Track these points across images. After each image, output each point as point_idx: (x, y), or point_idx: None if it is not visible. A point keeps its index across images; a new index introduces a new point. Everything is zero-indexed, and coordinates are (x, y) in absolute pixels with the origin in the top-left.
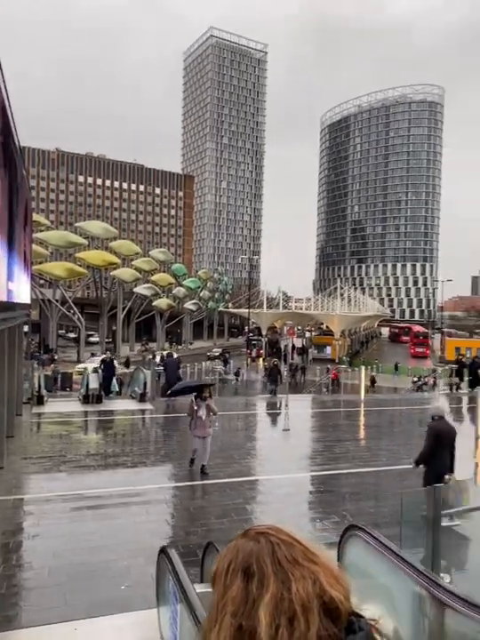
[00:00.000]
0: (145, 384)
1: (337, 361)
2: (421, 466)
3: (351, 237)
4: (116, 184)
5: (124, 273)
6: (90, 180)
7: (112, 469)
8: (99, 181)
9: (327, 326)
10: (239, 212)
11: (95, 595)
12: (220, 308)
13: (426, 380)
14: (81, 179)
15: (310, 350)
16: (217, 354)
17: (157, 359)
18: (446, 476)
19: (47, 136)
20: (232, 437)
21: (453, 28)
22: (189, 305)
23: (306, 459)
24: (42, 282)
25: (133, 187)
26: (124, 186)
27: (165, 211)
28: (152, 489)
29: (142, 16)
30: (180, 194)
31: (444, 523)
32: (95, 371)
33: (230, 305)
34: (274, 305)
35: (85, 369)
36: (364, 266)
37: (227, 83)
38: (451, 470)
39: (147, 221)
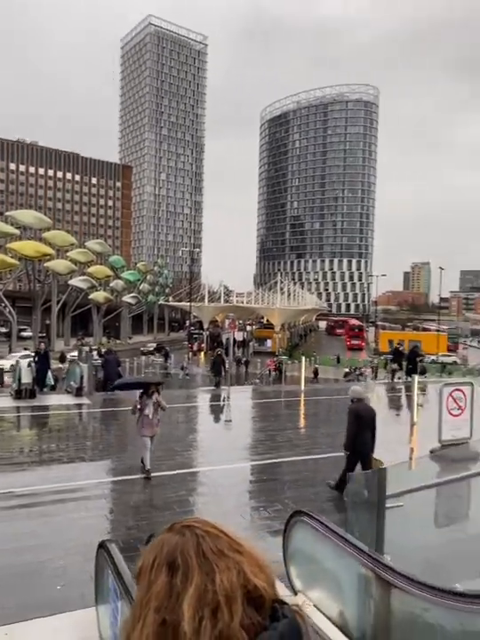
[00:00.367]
0: (81, 378)
1: (277, 354)
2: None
3: (290, 233)
4: (50, 172)
5: (59, 264)
6: (22, 167)
7: (47, 466)
8: (31, 169)
9: (268, 320)
10: (179, 204)
11: (28, 597)
12: (161, 302)
13: (362, 370)
14: (12, 166)
15: (251, 343)
16: (151, 349)
17: (95, 354)
18: (369, 457)
19: None
20: (173, 430)
21: (386, 32)
22: (128, 298)
23: (248, 448)
24: None
25: (68, 176)
26: (59, 175)
27: (102, 201)
28: (90, 484)
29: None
30: (118, 184)
31: (388, 504)
32: (29, 364)
33: (171, 298)
34: (215, 299)
35: (17, 362)
36: (302, 261)
37: (166, 73)
38: (371, 450)
39: (83, 212)
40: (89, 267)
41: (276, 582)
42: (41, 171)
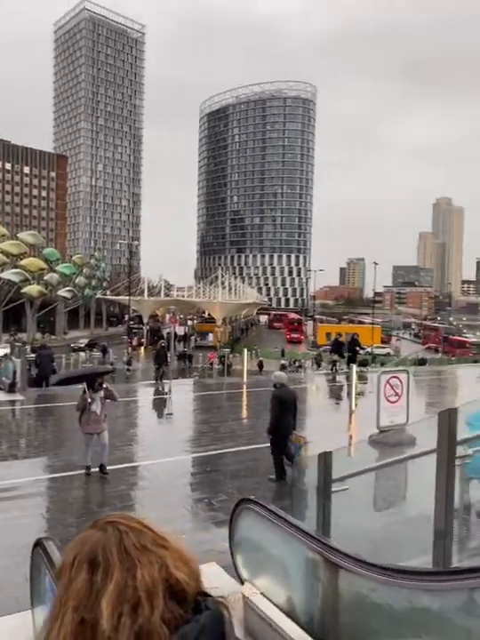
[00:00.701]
0: (14, 374)
1: (218, 347)
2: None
3: (231, 227)
4: None
5: None
6: None
7: None
8: None
9: (209, 314)
10: (117, 196)
11: None
12: (98, 296)
13: (301, 362)
14: None
15: (192, 337)
16: (82, 345)
17: (28, 349)
18: (291, 436)
19: None
20: (113, 425)
21: (325, 32)
22: (63, 292)
23: (191, 441)
24: None
25: None
26: None
27: (35, 191)
28: (25, 482)
29: None
30: (52, 174)
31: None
32: None
33: (109, 292)
34: (155, 293)
35: None
36: (243, 255)
37: (103, 61)
38: (294, 428)
39: (14, 202)
40: (21, 259)
41: (201, 576)
42: None
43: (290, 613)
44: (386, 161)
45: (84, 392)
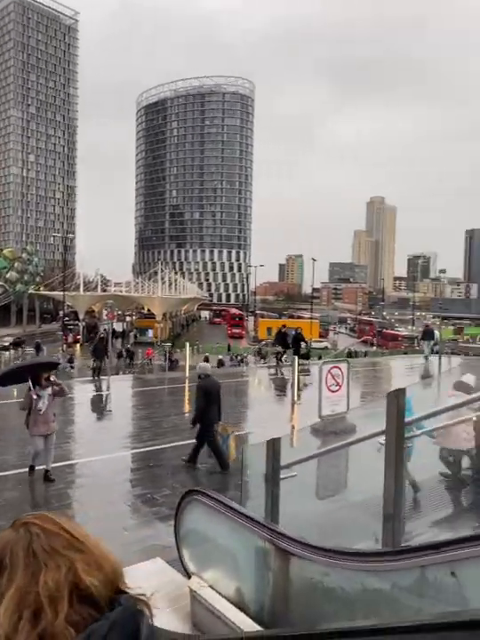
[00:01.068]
0: None
1: (158, 343)
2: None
3: (170, 222)
4: None
5: None
6: None
7: None
8: None
9: (148, 309)
10: (50, 188)
11: None
12: (31, 291)
13: (244, 357)
14: None
15: (131, 333)
16: (6, 344)
17: None
18: (216, 426)
19: None
20: None
21: (262, 31)
22: None
23: (131, 436)
24: None
25: None
26: None
27: None
28: None
29: None
30: None
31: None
32: None
33: (42, 287)
34: (91, 288)
35: None
36: (183, 251)
37: (33, 47)
38: (218, 419)
39: None
40: None
41: (121, 577)
42: None
43: (239, 604)
44: (323, 159)
45: (30, 389)
